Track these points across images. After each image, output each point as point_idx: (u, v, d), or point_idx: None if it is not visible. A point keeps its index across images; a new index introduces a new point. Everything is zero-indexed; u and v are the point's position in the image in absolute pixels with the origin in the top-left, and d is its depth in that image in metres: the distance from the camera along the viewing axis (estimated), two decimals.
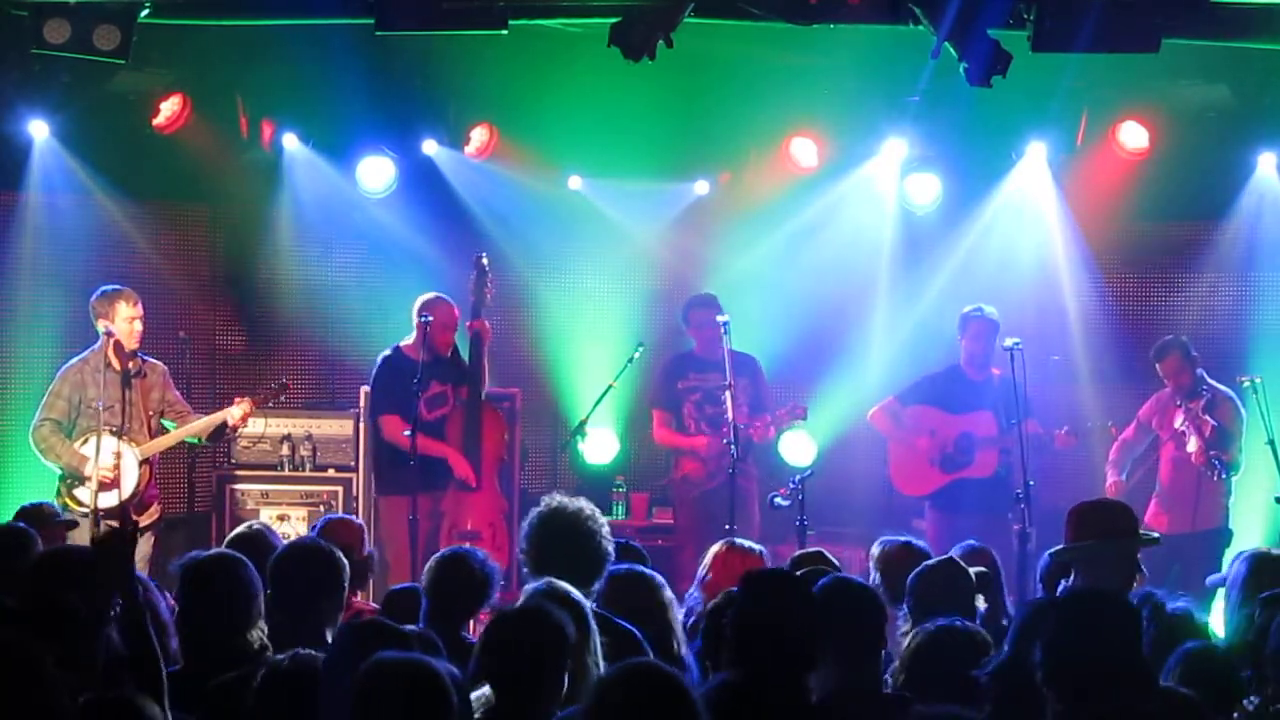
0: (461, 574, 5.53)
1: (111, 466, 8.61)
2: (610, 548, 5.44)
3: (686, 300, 10.15)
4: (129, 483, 8.66)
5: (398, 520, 8.93)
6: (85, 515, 8.54)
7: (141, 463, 8.76)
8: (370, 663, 3.73)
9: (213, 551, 5.59)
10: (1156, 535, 6.03)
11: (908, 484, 9.88)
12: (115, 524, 4.83)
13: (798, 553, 6.15)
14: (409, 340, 9.35)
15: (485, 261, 9.50)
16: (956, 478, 9.53)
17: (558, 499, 5.53)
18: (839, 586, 4.77)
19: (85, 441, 8.70)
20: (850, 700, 4.51)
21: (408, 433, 8.81)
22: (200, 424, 8.94)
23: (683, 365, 10.05)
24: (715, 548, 6.45)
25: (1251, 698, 4.24)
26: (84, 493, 8.62)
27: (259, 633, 5.01)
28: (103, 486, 8.61)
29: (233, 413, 8.97)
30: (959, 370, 9.70)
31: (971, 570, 5.66)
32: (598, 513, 5.49)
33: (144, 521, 8.70)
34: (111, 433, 8.64)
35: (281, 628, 5.06)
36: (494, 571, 5.62)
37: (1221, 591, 8.70)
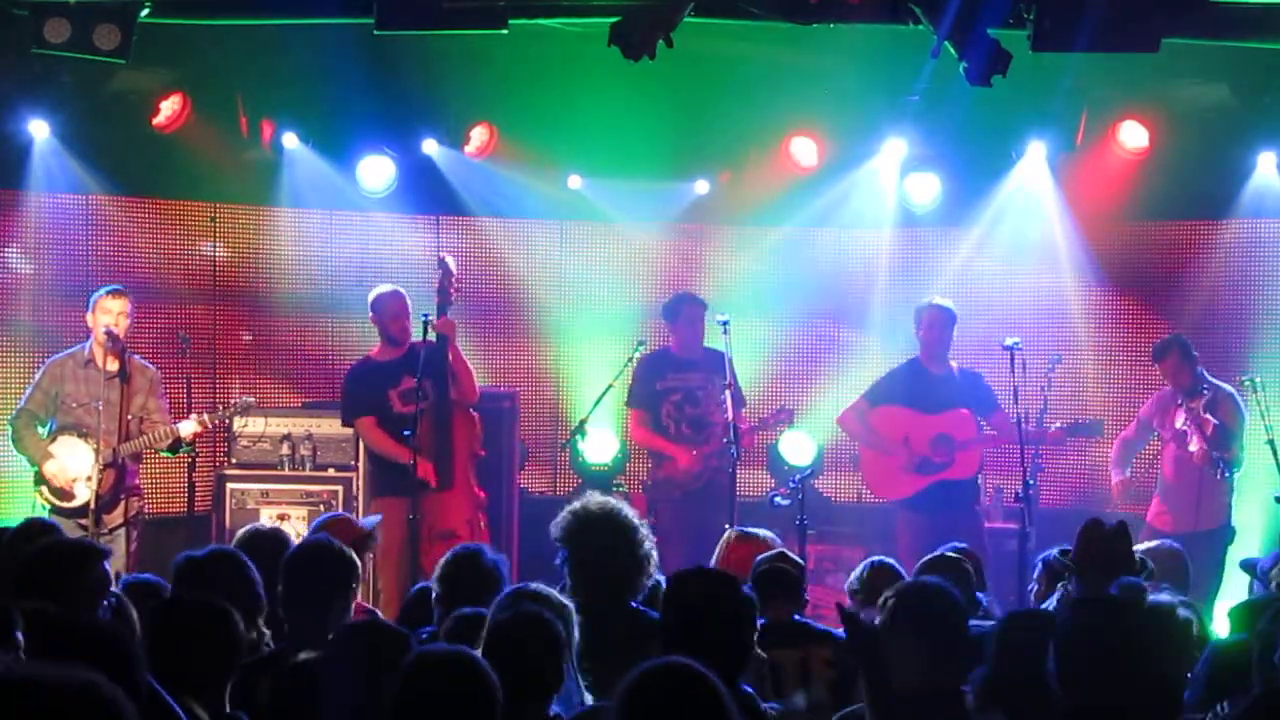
0: (473, 569, 5.52)
1: (70, 480, 8.57)
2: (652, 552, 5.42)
3: (676, 296, 10.03)
4: (87, 491, 8.51)
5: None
6: (55, 513, 8.54)
7: (105, 467, 8.57)
8: (413, 657, 3.70)
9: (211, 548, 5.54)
10: (1151, 569, 5.92)
11: (881, 488, 9.80)
12: None
13: (760, 555, 6.09)
14: (375, 348, 9.25)
15: (450, 261, 9.18)
16: (936, 480, 9.40)
17: (596, 501, 5.47)
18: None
19: (55, 440, 8.70)
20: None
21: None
22: (157, 432, 8.74)
23: (661, 365, 9.91)
24: (725, 535, 6.44)
25: (1225, 704, 4.25)
26: (48, 492, 8.65)
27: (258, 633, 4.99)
28: (62, 494, 8.60)
29: (182, 427, 8.77)
30: (919, 364, 9.61)
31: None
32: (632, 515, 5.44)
33: (114, 522, 8.63)
34: (80, 435, 8.63)
35: (294, 627, 5.06)
36: (504, 566, 5.61)
37: (1223, 589, 8.75)
